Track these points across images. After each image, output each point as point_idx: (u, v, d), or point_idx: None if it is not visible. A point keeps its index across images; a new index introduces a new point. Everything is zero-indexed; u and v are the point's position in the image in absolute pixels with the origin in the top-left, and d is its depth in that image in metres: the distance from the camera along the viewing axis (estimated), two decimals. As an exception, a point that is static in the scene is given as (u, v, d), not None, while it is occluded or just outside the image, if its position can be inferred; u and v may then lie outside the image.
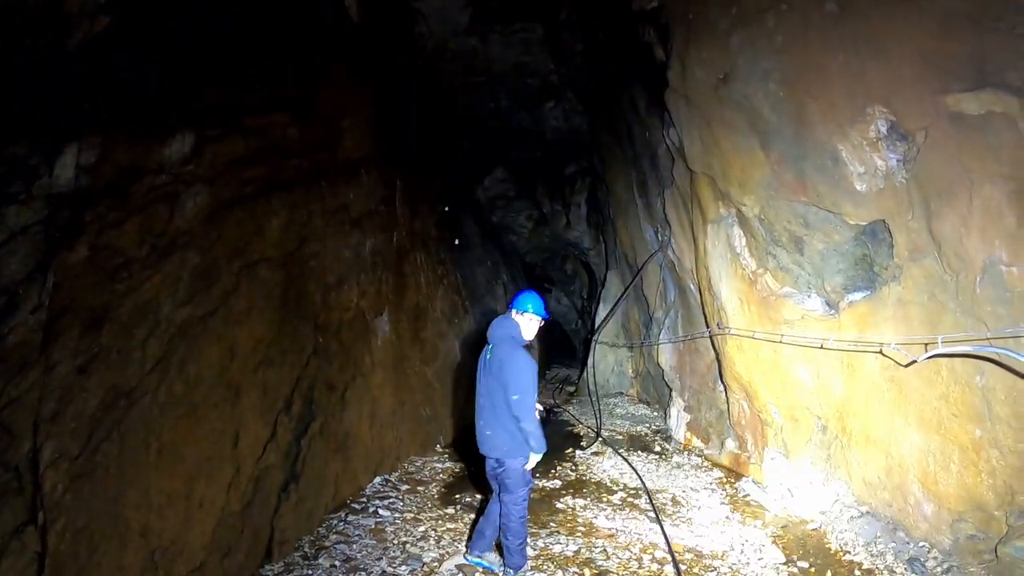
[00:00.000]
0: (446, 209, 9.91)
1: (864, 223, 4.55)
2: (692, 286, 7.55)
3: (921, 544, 4.12)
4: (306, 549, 4.63)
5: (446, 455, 7.44)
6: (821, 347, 4.94)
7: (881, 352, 4.34)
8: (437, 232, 9.27)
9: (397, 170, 7.83)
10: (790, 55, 4.67)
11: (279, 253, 4.99)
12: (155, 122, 3.80)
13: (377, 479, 6.18)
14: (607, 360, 11.84)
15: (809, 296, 5.29)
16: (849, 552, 4.44)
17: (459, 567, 4.38)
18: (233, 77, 4.72)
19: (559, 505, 5.74)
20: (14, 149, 2.95)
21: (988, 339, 3.50)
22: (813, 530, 4.96)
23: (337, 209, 6.09)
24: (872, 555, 4.30)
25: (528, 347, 4.32)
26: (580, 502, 5.82)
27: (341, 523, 5.09)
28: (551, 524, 5.25)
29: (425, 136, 9.51)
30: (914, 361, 3.97)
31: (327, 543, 4.71)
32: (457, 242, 10.28)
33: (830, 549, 4.57)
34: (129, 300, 3.47)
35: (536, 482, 6.35)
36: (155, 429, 3.56)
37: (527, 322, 4.25)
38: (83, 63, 3.33)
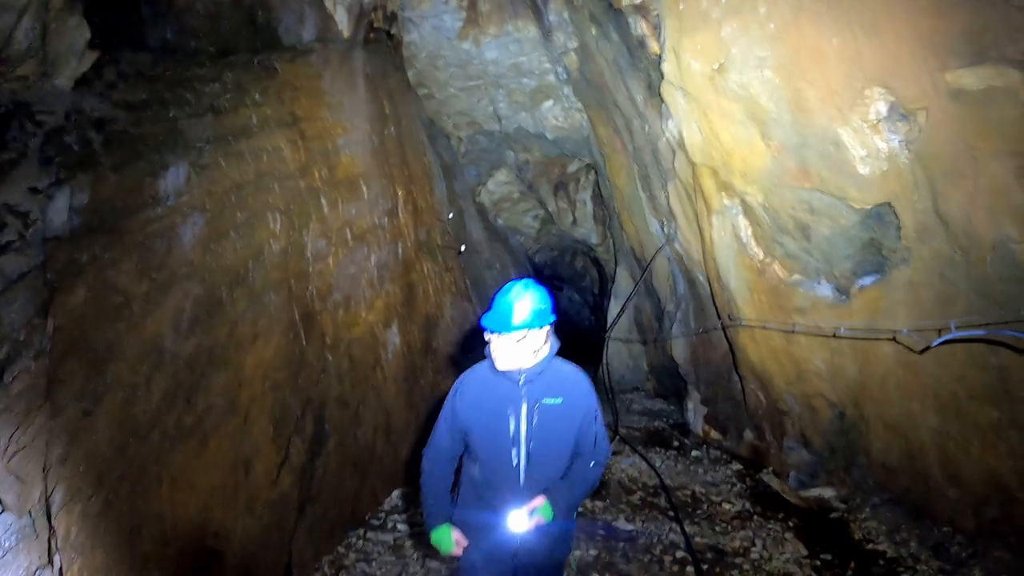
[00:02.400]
0: (450, 216, 9.87)
1: (870, 206, 4.48)
2: (701, 278, 7.48)
3: (945, 529, 4.05)
4: (326, 570, 4.62)
5: (464, 462, 7.42)
6: (834, 335, 4.87)
7: (895, 339, 4.27)
8: (442, 240, 9.23)
9: (398, 182, 7.80)
10: (784, 41, 4.60)
11: (282, 276, 4.98)
12: (147, 156, 3.80)
13: (395, 493, 6.15)
14: (622, 356, 11.78)
15: (819, 283, 5.22)
16: (873, 541, 4.38)
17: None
18: (224, 103, 4.71)
19: (579, 508, 5.69)
20: (6, 196, 2.96)
21: (1003, 323, 3.43)
22: (835, 520, 4.89)
23: (339, 226, 6.07)
24: (896, 543, 4.24)
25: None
26: (599, 504, 5.77)
27: (360, 540, 5.07)
28: (570, 529, 5.21)
29: (424, 144, 9.49)
30: (928, 347, 3.90)
31: (347, 562, 4.70)
32: (464, 248, 10.22)
33: (853, 539, 4.51)
34: (132, 337, 3.47)
35: (555, 485, 6.33)
36: (166, 463, 3.56)
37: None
38: (70, 101, 3.33)
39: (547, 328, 2.69)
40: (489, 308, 2.70)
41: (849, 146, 4.36)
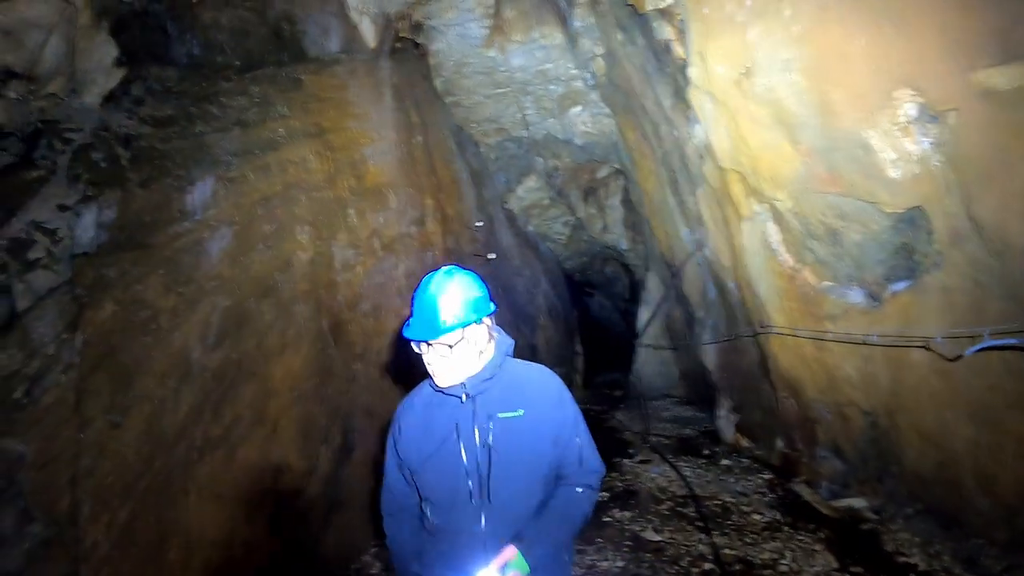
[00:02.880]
0: (479, 224, 9.89)
1: (901, 211, 4.37)
2: (731, 284, 7.38)
3: (978, 541, 3.93)
4: (352, 577, 4.65)
5: (493, 471, 7.40)
6: (865, 343, 4.76)
7: (927, 347, 4.16)
8: (472, 247, 9.25)
9: (426, 190, 7.85)
10: (810, 43, 4.52)
11: (310, 286, 5.02)
12: (174, 171, 3.88)
13: (423, 502, 6.17)
14: (652, 362, 11.67)
15: (850, 289, 5.11)
16: (905, 553, 4.26)
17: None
18: (250, 117, 4.79)
19: (606, 519, 5.63)
20: (34, 214, 3.05)
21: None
22: (867, 531, 4.77)
23: (367, 236, 6.12)
24: (929, 556, 4.13)
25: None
26: (627, 514, 5.71)
27: (386, 550, 5.08)
28: (598, 540, 5.15)
29: (452, 152, 9.54)
30: (961, 356, 3.79)
31: (373, 571, 4.72)
32: (494, 256, 10.22)
33: (885, 551, 4.40)
34: (160, 350, 3.54)
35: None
36: (193, 474, 3.61)
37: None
38: (98, 118, 3.42)
39: (488, 321, 2.16)
40: (410, 312, 2.16)
41: (879, 149, 4.26)
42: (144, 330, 3.50)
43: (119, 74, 3.57)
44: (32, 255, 3.02)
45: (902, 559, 4.24)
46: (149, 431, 3.40)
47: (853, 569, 4.23)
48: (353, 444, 5.23)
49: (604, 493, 6.37)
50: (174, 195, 3.89)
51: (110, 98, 3.53)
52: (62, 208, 3.14)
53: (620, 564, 4.66)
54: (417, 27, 8.22)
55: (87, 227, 3.22)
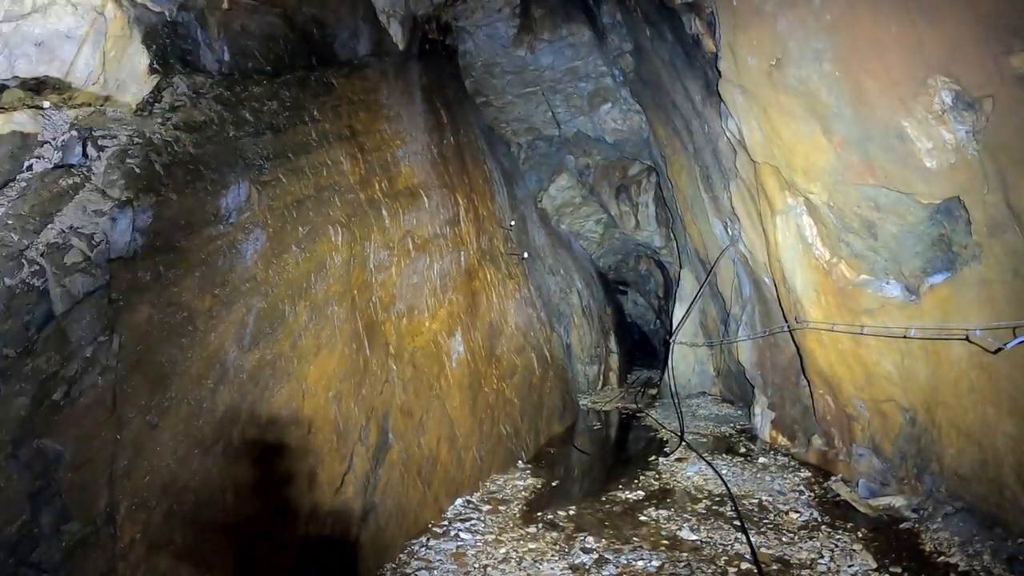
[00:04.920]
0: (512, 223, 9.92)
1: (938, 201, 4.27)
2: (767, 280, 7.28)
3: (1020, 541, 3.81)
4: (388, 577, 4.68)
5: (528, 471, 7.40)
6: (904, 336, 4.66)
7: (968, 339, 4.05)
8: (505, 247, 9.27)
9: (459, 190, 7.89)
10: (841, 32, 4.44)
11: (345, 287, 5.07)
12: (208, 176, 3.95)
13: (458, 501, 6.19)
14: (687, 360, 11.57)
15: (887, 282, 5.01)
16: (944, 554, 4.16)
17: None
18: (282, 121, 4.87)
19: (642, 518, 5.60)
20: (71, 219, 3.14)
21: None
22: (906, 530, 4.67)
23: (401, 237, 6.18)
24: (968, 556, 4.01)
25: None
26: (664, 513, 5.66)
27: (423, 549, 5.10)
28: (634, 539, 5.12)
29: (483, 152, 9.58)
30: (1001, 348, 3.68)
31: (408, 570, 4.74)
32: (527, 255, 10.24)
33: (924, 551, 4.29)
34: (196, 352, 3.59)
35: (619, 494, 6.26)
36: (230, 474, 3.65)
37: None
38: (132, 125, 3.52)
39: None
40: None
41: (914, 138, 4.17)
42: (180, 332, 3.55)
43: (152, 82, 3.66)
44: (69, 259, 3.10)
45: (941, 559, 4.13)
46: (186, 432, 3.44)
47: (892, 569, 4.14)
48: (390, 444, 5.27)
49: (640, 492, 6.34)
50: (208, 199, 3.94)
51: (143, 105, 3.61)
52: (98, 213, 3.22)
53: (656, 564, 4.62)
54: (446, 28, 8.28)
55: (123, 231, 3.29)
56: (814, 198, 5.47)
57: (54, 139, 3.24)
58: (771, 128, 5.72)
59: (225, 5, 4.35)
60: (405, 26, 6.65)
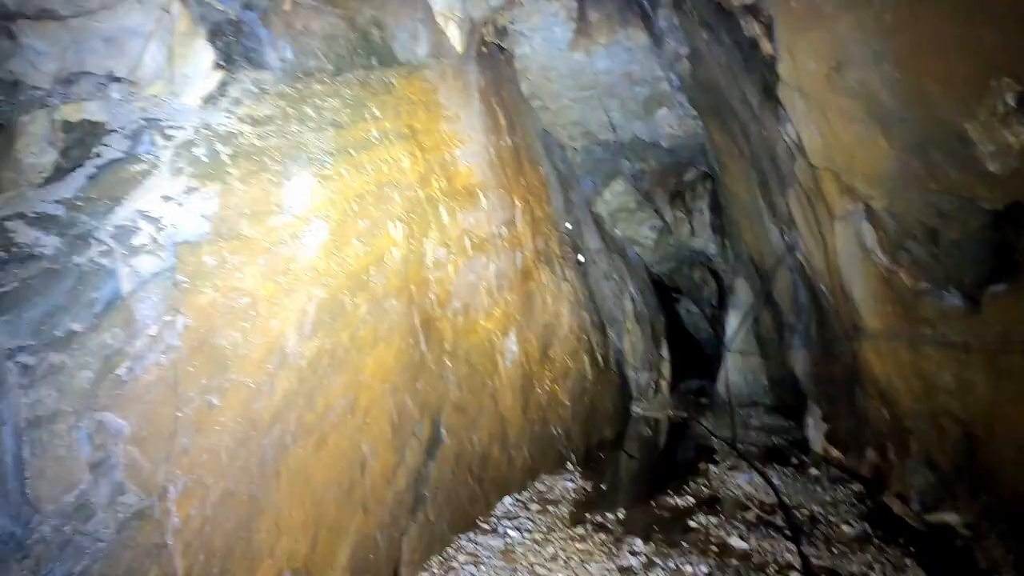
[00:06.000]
0: (568, 226, 9.96)
1: (1001, 206, 4.15)
2: (823, 288, 7.14)
3: (1081, 561, 3.67)
4: (435, 570, 4.75)
5: (577, 473, 7.42)
6: (964, 347, 4.53)
7: (1029, 349, 3.93)
8: (560, 250, 9.30)
9: (516, 192, 7.97)
10: (902, 33, 4.35)
11: (402, 282, 5.18)
12: (272, 168, 4.11)
13: (508, 499, 6.25)
14: (741, 369, 11.39)
15: (948, 291, 4.87)
16: (998, 572, 4.03)
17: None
18: (344, 118, 5.03)
19: (691, 524, 5.58)
20: (139, 204, 3.32)
21: None
22: (960, 547, 4.52)
23: (458, 235, 6.28)
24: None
25: None
26: (713, 520, 5.62)
27: (470, 544, 5.18)
28: (683, 544, 5.11)
29: (540, 155, 9.65)
30: (1064, 357, 3.56)
31: (455, 564, 4.82)
32: (582, 258, 10.26)
33: (978, 568, 4.17)
34: (256, 337, 3.71)
35: (668, 499, 6.25)
36: (285, 458, 3.77)
37: None
38: (198, 117, 3.72)
39: None
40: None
41: (977, 142, 4.06)
42: (242, 316, 3.65)
43: (216, 77, 3.84)
44: (137, 241, 3.25)
45: (996, 576, 4.02)
46: (245, 414, 3.54)
47: (944, 584, 4.04)
48: (442, 439, 5.35)
49: (690, 498, 6.29)
50: (272, 190, 4.08)
51: (209, 99, 3.79)
52: (166, 199, 3.39)
53: (704, 569, 4.60)
54: (502, 32, 8.39)
55: (190, 217, 3.45)
56: (874, 203, 5.36)
57: (122, 128, 3.44)
58: (830, 132, 5.63)
59: (288, 6, 4.54)
60: (463, 29, 6.77)
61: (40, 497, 2.75)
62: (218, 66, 3.87)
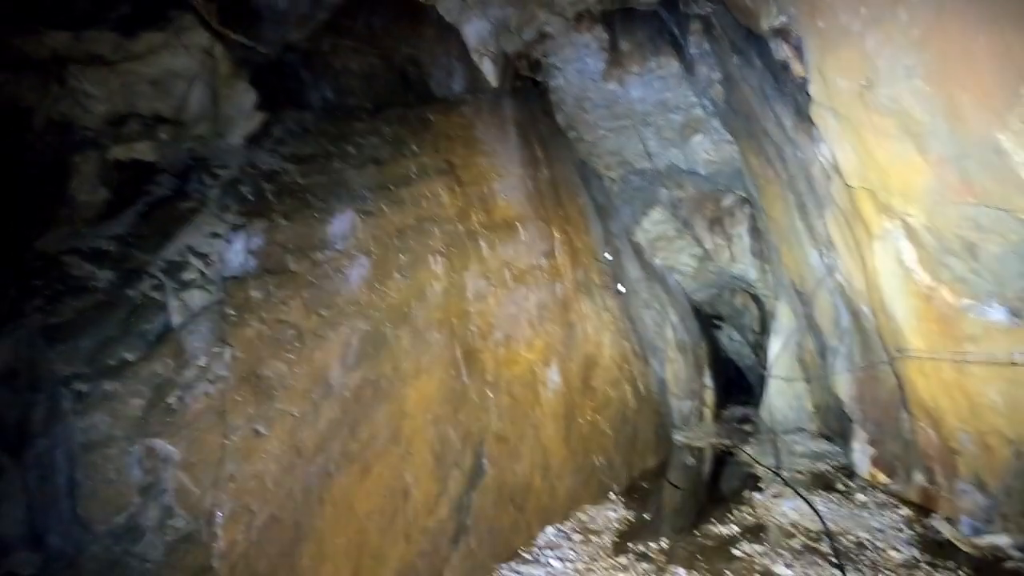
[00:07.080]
0: (607, 256, 9.99)
1: (1040, 217, 4.08)
2: (865, 309, 7.02)
3: None
4: (477, 599, 4.77)
5: (620, 503, 7.34)
6: (1011, 364, 4.43)
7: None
8: (600, 280, 9.34)
9: (554, 223, 8.07)
10: (930, 46, 4.36)
11: (444, 315, 5.30)
12: (315, 204, 4.30)
13: (549, 529, 6.21)
14: (784, 395, 11.16)
15: (991, 306, 4.77)
16: (1053, 592, 3.87)
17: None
18: (383, 154, 5.21)
19: (736, 552, 5.47)
20: (188, 240, 3.51)
21: None
22: (1011, 569, 4.36)
23: (498, 267, 6.40)
24: (1079, 596, 3.72)
25: None
26: (758, 548, 5.51)
27: (512, 574, 5.15)
28: (727, 572, 5.04)
29: (577, 186, 9.75)
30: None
31: (494, 594, 4.82)
32: (622, 288, 10.26)
33: (1033, 589, 4.01)
34: (301, 368, 3.86)
35: (712, 528, 6.16)
36: (329, 486, 3.87)
37: None
38: (243, 156, 3.92)
39: None
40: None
41: (1011, 152, 4.02)
42: (288, 348, 3.81)
43: (259, 117, 4.05)
44: (186, 276, 3.43)
45: (1050, 598, 3.86)
46: (290, 442, 3.68)
47: (996, 607, 3.90)
48: (484, 469, 5.39)
49: (734, 527, 6.18)
50: (315, 225, 4.27)
51: (253, 139, 4.00)
52: (214, 235, 3.57)
53: (749, 599, 4.53)
54: (536, 65, 8.59)
55: (236, 252, 3.62)
56: (912, 220, 5.30)
57: (171, 166, 3.66)
58: (865, 150, 5.60)
59: (327, 47, 4.77)
60: (497, 64, 6.99)
61: (91, 518, 2.90)
62: (261, 107, 4.07)
